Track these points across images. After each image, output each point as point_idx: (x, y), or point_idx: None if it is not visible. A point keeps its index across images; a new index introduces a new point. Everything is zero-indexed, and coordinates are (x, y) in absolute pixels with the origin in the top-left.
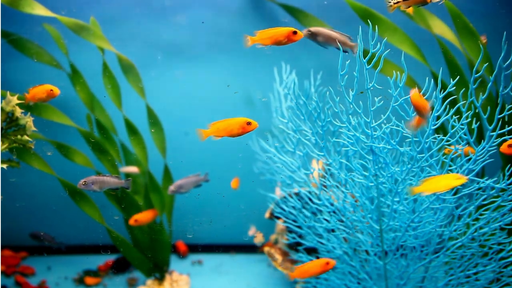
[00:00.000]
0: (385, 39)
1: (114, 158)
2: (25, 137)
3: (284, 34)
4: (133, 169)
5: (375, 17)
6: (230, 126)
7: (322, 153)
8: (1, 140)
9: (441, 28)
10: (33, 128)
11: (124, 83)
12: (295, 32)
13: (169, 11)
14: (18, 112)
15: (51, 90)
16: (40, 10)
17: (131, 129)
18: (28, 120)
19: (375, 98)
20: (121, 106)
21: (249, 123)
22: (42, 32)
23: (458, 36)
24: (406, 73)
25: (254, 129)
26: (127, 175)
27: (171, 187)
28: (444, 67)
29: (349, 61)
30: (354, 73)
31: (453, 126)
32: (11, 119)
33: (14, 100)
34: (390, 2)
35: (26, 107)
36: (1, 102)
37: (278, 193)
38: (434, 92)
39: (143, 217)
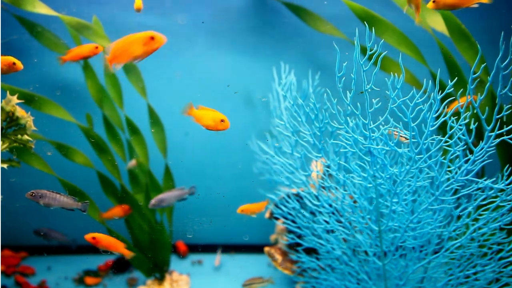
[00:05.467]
0: (382, 40)
1: (116, 157)
2: (25, 137)
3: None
4: (132, 162)
5: (374, 18)
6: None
7: (320, 155)
8: (1, 140)
9: (441, 27)
10: (33, 128)
11: (126, 83)
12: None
13: (169, 11)
14: (18, 111)
15: (14, 63)
16: (42, 9)
17: (132, 129)
18: (28, 120)
19: (373, 99)
20: (122, 106)
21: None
22: (42, 32)
23: (451, 37)
24: (404, 74)
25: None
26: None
27: (152, 201)
28: (444, 67)
29: (346, 62)
30: (352, 75)
31: (451, 127)
32: (11, 119)
33: (14, 99)
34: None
35: (27, 102)
36: (1, 101)
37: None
38: (432, 93)
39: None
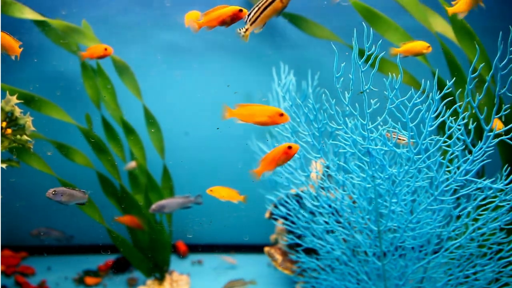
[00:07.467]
0: (381, 41)
1: (115, 157)
2: (24, 137)
3: (229, 14)
4: (132, 164)
5: (377, 17)
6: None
7: (319, 155)
8: (1, 140)
9: (442, 27)
10: (32, 128)
11: (122, 84)
12: (241, 10)
13: (169, 11)
14: (18, 111)
15: (106, 49)
16: (30, 14)
17: (129, 130)
18: (27, 120)
19: (371, 100)
20: (117, 107)
21: (281, 115)
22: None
23: (455, 35)
24: (402, 74)
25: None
26: None
27: (153, 206)
28: (446, 66)
29: (344, 63)
30: (350, 75)
31: (449, 127)
32: (10, 119)
33: (14, 99)
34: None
35: (26, 103)
36: (0, 101)
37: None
38: (431, 93)
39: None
